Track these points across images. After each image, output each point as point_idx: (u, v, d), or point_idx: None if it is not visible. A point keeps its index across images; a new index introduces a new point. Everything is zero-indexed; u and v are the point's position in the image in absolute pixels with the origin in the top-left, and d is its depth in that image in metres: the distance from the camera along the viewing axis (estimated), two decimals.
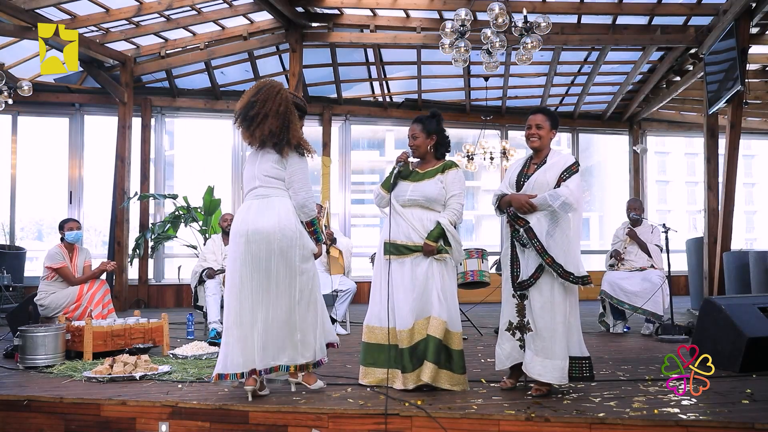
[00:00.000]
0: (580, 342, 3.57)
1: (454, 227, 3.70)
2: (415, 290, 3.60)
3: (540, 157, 3.68)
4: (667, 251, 6.12)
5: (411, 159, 3.86)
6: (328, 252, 6.30)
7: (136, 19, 8.80)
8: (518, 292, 3.56)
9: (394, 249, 3.68)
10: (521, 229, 3.54)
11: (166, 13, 8.75)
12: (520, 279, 3.55)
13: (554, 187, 3.52)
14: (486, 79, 10.26)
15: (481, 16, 8.15)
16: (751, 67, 9.55)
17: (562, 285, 3.47)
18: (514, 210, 3.58)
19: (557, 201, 3.45)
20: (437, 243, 3.63)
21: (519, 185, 3.66)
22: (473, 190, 24.50)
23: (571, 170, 3.56)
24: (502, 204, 3.67)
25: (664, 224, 6.12)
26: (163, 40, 9.57)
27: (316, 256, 3.67)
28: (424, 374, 3.49)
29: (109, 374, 3.94)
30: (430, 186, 3.72)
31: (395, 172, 3.77)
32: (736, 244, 8.79)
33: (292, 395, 3.48)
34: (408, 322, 3.58)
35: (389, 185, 3.79)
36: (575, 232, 3.53)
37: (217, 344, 5.36)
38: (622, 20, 8.84)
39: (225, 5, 8.83)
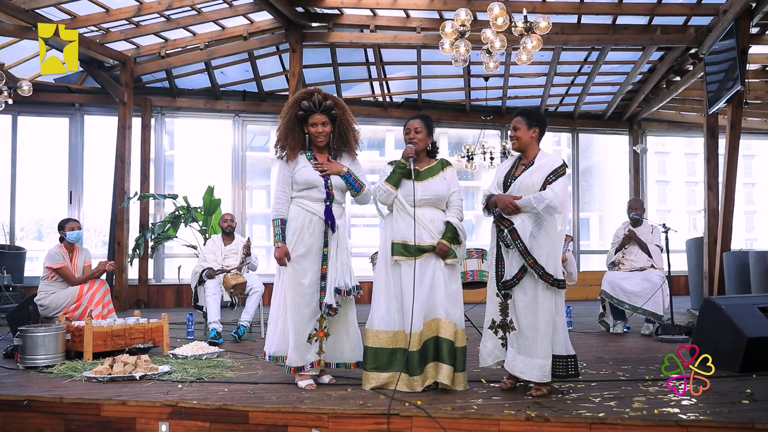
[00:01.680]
0: (566, 341, 3.56)
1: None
2: (423, 292, 3.57)
3: (528, 158, 3.68)
4: (667, 251, 6.11)
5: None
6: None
7: (136, 19, 8.80)
8: (502, 292, 3.58)
9: (404, 250, 3.62)
10: (505, 230, 3.55)
11: (166, 13, 8.75)
12: (504, 279, 3.56)
13: (540, 190, 3.52)
14: (486, 79, 10.26)
15: (481, 16, 8.15)
16: (751, 67, 9.55)
17: (546, 285, 3.47)
18: (500, 211, 3.59)
19: (541, 204, 3.45)
20: (452, 243, 3.63)
21: (506, 186, 3.66)
22: (473, 190, 24.46)
23: (558, 173, 3.55)
24: (490, 204, 3.68)
25: (664, 224, 6.12)
26: (163, 40, 9.57)
27: (277, 260, 3.71)
28: (442, 376, 3.49)
29: (109, 374, 3.94)
30: (438, 183, 3.70)
31: (409, 167, 3.66)
32: (736, 244, 8.80)
33: (292, 395, 3.48)
34: (418, 324, 3.54)
35: (396, 181, 3.70)
36: (560, 235, 3.52)
37: (217, 344, 5.37)
38: (622, 20, 8.84)
39: (225, 5, 8.83)
